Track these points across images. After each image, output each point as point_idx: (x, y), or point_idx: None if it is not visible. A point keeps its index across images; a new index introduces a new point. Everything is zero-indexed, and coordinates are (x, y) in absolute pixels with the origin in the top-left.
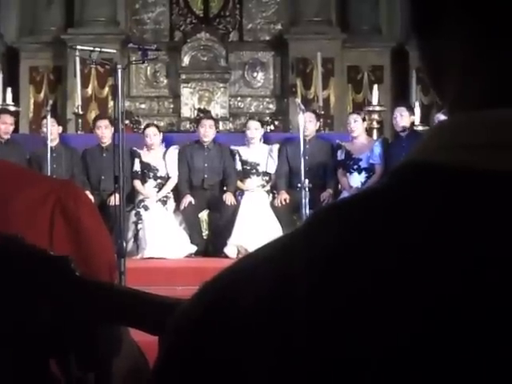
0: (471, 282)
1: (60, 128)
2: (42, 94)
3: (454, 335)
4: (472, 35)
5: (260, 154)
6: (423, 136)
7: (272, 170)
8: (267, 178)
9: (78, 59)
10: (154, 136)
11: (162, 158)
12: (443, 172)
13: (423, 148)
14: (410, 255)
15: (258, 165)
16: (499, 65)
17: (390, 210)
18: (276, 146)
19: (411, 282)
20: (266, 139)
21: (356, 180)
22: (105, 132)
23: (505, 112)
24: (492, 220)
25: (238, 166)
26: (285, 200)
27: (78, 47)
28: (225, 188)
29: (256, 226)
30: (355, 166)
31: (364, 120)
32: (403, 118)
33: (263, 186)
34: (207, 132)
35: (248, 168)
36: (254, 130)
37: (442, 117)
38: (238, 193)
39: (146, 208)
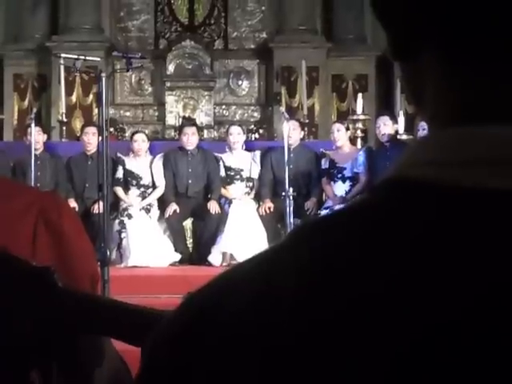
0: (465, 307)
1: (45, 136)
2: (26, 102)
3: (445, 364)
4: (441, 60)
5: (243, 160)
6: (405, 151)
7: (255, 175)
8: (251, 184)
9: (62, 67)
10: (142, 142)
11: (147, 166)
12: (423, 189)
13: (403, 164)
14: (395, 274)
15: (242, 170)
16: (468, 87)
17: (372, 227)
18: (258, 152)
19: (400, 304)
20: (251, 147)
21: (340, 189)
22: (91, 139)
23: (480, 129)
24: (476, 239)
25: (222, 173)
26: (269, 208)
27: (62, 55)
28: (209, 196)
29: (243, 233)
30: (339, 175)
31: (348, 129)
32: (386, 128)
33: (248, 194)
34: (190, 140)
35: (232, 174)
36: (237, 134)
37: (426, 125)
38: (225, 200)
39: (129, 216)
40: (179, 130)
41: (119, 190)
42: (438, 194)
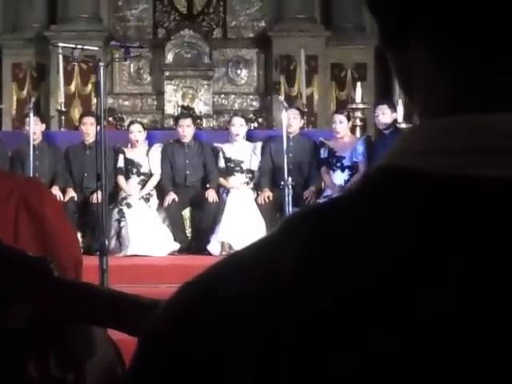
0: (461, 297)
1: (43, 126)
2: (24, 91)
3: (434, 351)
4: (437, 50)
5: (244, 151)
6: (396, 140)
7: (255, 167)
8: (251, 176)
9: (60, 56)
10: (138, 133)
11: (145, 154)
12: (415, 177)
13: (395, 153)
14: (391, 262)
15: (242, 162)
16: (457, 76)
17: (365, 216)
18: (260, 144)
19: (395, 292)
20: (250, 136)
21: (339, 178)
22: (89, 129)
23: (471, 118)
24: (472, 228)
25: (222, 164)
26: (268, 197)
27: (61, 44)
28: (207, 185)
29: (241, 223)
30: (338, 164)
31: (349, 120)
32: (385, 116)
33: (247, 184)
34: (185, 132)
35: (232, 165)
36: (239, 126)
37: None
38: (223, 190)
39: (128, 205)
40: (175, 121)
41: (121, 179)
42: (430, 183)
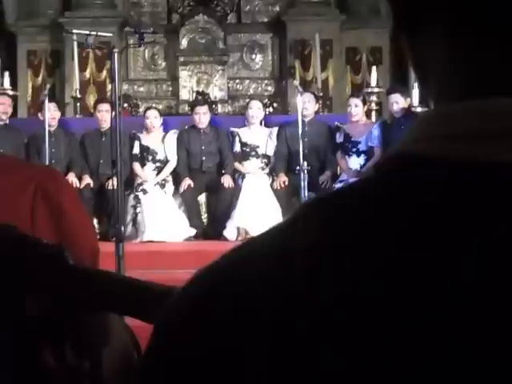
0: (462, 292)
1: (59, 113)
2: (40, 78)
3: (453, 334)
4: (451, 34)
5: (260, 136)
6: (409, 127)
7: (271, 152)
8: (266, 161)
9: (75, 43)
10: (154, 118)
11: (160, 141)
12: (429, 163)
13: (408, 139)
14: (403, 248)
15: (258, 147)
16: (476, 59)
17: (380, 203)
18: (276, 129)
19: (396, 284)
20: (265, 122)
21: (355, 162)
22: (105, 115)
23: (485, 102)
24: (488, 213)
25: (238, 148)
26: (283, 183)
27: (75, 31)
28: (223, 171)
29: (257, 208)
30: (354, 149)
31: (365, 104)
32: (399, 105)
33: (262, 169)
34: (202, 119)
35: (247, 150)
36: (257, 109)
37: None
38: (238, 175)
39: (144, 191)
40: (191, 108)
41: (137, 166)
42: (445, 168)
